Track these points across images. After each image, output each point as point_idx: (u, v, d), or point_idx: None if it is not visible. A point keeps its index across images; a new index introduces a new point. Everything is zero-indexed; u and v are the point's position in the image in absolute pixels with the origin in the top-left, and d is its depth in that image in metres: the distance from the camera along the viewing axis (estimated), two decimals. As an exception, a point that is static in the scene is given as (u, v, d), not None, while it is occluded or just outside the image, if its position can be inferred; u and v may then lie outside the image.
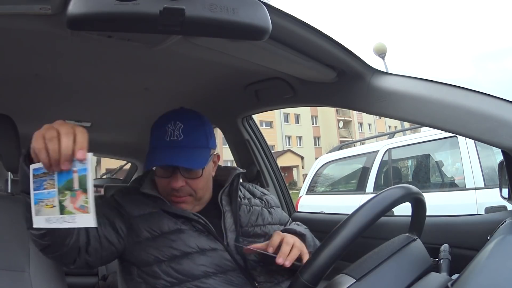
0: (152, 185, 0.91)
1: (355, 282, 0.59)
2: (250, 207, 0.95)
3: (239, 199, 0.94)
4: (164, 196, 0.88)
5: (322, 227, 1.16)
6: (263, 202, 1.01)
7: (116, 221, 0.83)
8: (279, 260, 0.76)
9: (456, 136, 2.98)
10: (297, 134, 28.94)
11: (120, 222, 0.83)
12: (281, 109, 2.01)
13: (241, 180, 1.00)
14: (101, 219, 0.79)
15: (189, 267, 0.80)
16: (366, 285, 0.60)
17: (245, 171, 1.11)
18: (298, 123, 29.26)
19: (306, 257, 0.80)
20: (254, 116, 1.61)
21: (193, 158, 0.84)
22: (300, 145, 28.54)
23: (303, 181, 5.47)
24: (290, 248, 0.78)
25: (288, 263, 0.77)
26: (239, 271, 0.83)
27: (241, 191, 0.99)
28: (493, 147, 0.92)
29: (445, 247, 0.80)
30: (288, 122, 28.73)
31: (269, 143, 1.71)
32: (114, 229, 0.81)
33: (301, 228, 0.96)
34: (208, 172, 0.90)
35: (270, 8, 0.65)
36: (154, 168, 0.89)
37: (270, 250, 0.78)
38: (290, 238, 0.81)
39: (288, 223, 1.05)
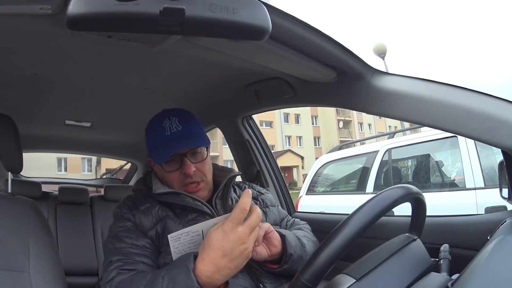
0: (161, 183, 0.92)
1: (355, 282, 0.59)
2: None
3: (230, 201, 0.95)
4: (179, 190, 0.89)
5: (322, 227, 1.16)
6: (258, 202, 1.01)
7: (147, 243, 0.84)
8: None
9: (456, 136, 2.98)
10: (297, 134, 28.94)
11: (148, 240, 0.85)
12: (281, 109, 2.01)
13: (240, 179, 1.00)
14: (141, 250, 0.82)
15: None
16: (366, 285, 0.60)
17: (240, 173, 1.12)
18: (298, 123, 29.26)
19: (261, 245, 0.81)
20: (254, 116, 1.61)
21: (198, 139, 0.90)
22: (300, 145, 28.53)
23: (303, 181, 5.47)
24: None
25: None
26: (245, 272, 0.82)
27: (236, 193, 1.00)
28: (493, 147, 0.92)
29: (445, 247, 0.80)
30: (288, 122, 28.73)
31: (269, 143, 1.71)
32: (154, 252, 0.84)
33: (290, 231, 0.95)
34: (209, 157, 0.95)
35: (270, 8, 0.65)
36: (161, 166, 0.90)
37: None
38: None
39: (285, 220, 1.05)
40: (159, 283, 0.67)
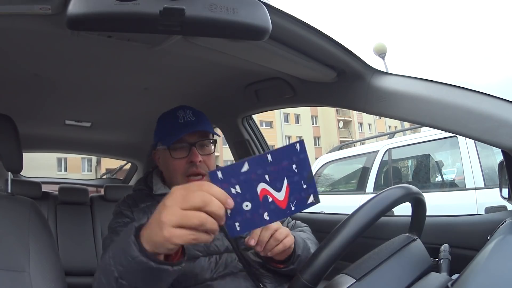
0: (162, 183, 0.93)
1: (355, 282, 0.59)
2: None
3: None
4: (181, 182, 0.88)
5: (322, 227, 1.16)
6: None
7: None
8: (251, 242, 0.74)
9: (456, 136, 2.98)
10: (297, 134, 28.87)
11: None
12: (281, 109, 2.02)
13: None
14: None
15: (197, 270, 0.80)
16: (366, 285, 0.60)
17: None
18: (298, 123, 29.25)
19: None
20: (254, 116, 1.61)
21: (209, 129, 0.93)
22: (300, 145, 28.46)
23: (303, 181, 5.45)
24: (274, 239, 0.75)
25: (262, 252, 0.75)
26: (245, 273, 0.82)
27: None
28: (493, 147, 0.92)
29: (445, 247, 0.80)
30: (288, 122, 28.71)
31: (269, 143, 1.71)
32: None
33: (297, 232, 0.95)
34: (214, 154, 0.97)
35: (270, 8, 0.65)
36: (169, 153, 0.90)
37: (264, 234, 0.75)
38: (281, 233, 0.77)
39: (286, 222, 1.05)
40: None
